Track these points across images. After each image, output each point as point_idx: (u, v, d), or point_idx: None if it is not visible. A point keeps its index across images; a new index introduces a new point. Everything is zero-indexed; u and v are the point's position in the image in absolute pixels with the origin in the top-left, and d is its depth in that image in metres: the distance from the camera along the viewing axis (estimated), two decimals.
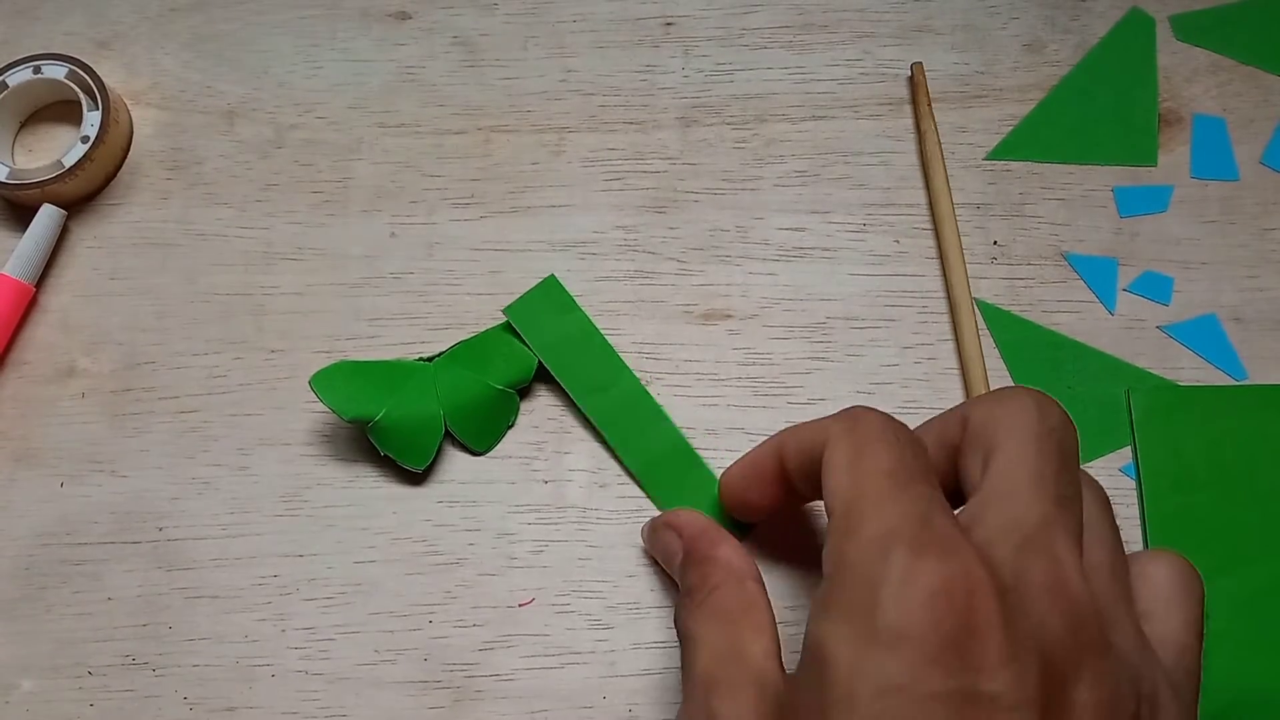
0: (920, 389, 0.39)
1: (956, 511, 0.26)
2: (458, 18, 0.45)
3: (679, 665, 0.31)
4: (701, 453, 0.39)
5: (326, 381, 0.38)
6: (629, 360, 0.40)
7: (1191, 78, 0.44)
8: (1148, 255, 0.41)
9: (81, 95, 0.43)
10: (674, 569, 0.34)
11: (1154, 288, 0.41)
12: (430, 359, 0.39)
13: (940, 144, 0.42)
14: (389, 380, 0.39)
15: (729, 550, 0.32)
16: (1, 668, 0.37)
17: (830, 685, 0.23)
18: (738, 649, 0.28)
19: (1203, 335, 0.40)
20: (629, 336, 0.40)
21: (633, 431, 0.39)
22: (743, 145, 0.43)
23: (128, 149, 0.44)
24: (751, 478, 0.34)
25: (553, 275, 0.40)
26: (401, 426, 0.38)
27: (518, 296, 0.39)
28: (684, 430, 0.39)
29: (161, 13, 0.46)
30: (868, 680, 0.23)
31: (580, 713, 0.36)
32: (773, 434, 0.33)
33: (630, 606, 0.37)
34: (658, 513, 0.37)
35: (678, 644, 0.31)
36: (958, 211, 0.42)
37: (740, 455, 0.35)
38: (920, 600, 0.23)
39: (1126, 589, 0.27)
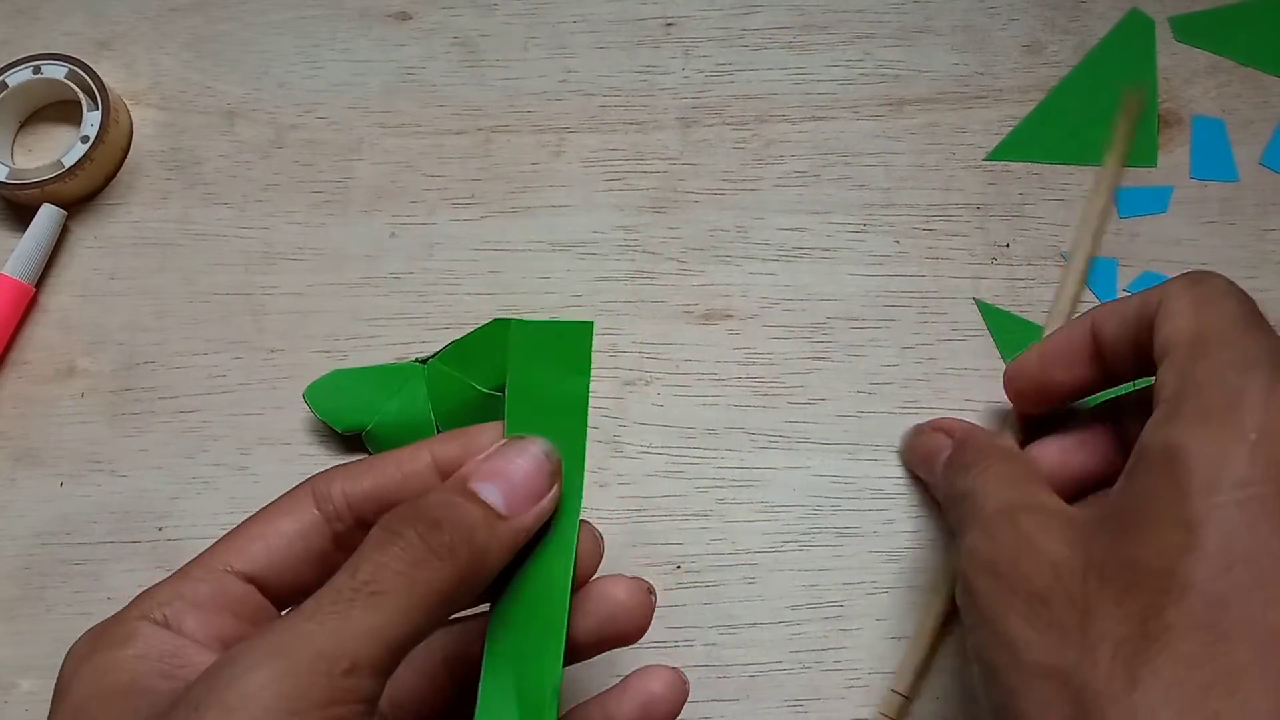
0: (920, 389, 0.39)
1: None
2: (458, 18, 0.45)
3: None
4: (701, 453, 0.39)
5: (320, 393, 0.38)
6: (629, 360, 0.40)
7: (1191, 78, 0.44)
8: (1147, 255, 0.41)
9: (81, 95, 0.43)
10: (935, 467, 0.34)
11: None
12: (425, 360, 0.39)
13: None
14: (383, 385, 0.39)
15: (1009, 441, 0.34)
16: (1, 667, 0.37)
17: (1188, 478, 0.24)
18: (1031, 494, 0.29)
19: None
20: (629, 336, 0.40)
21: (517, 630, 0.27)
22: (743, 145, 0.43)
23: (127, 149, 0.44)
24: (1059, 357, 0.32)
25: (591, 324, 0.29)
26: (395, 433, 0.38)
27: (524, 315, 0.33)
28: (684, 430, 0.39)
29: (161, 13, 0.46)
30: (1231, 472, 0.24)
31: None
32: (1080, 315, 0.33)
33: None
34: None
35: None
36: (957, 212, 0.42)
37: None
38: None
39: None
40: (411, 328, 0.41)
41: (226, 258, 0.42)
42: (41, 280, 0.42)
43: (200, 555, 0.27)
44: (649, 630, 0.35)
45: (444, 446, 0.28)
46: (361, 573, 0.23)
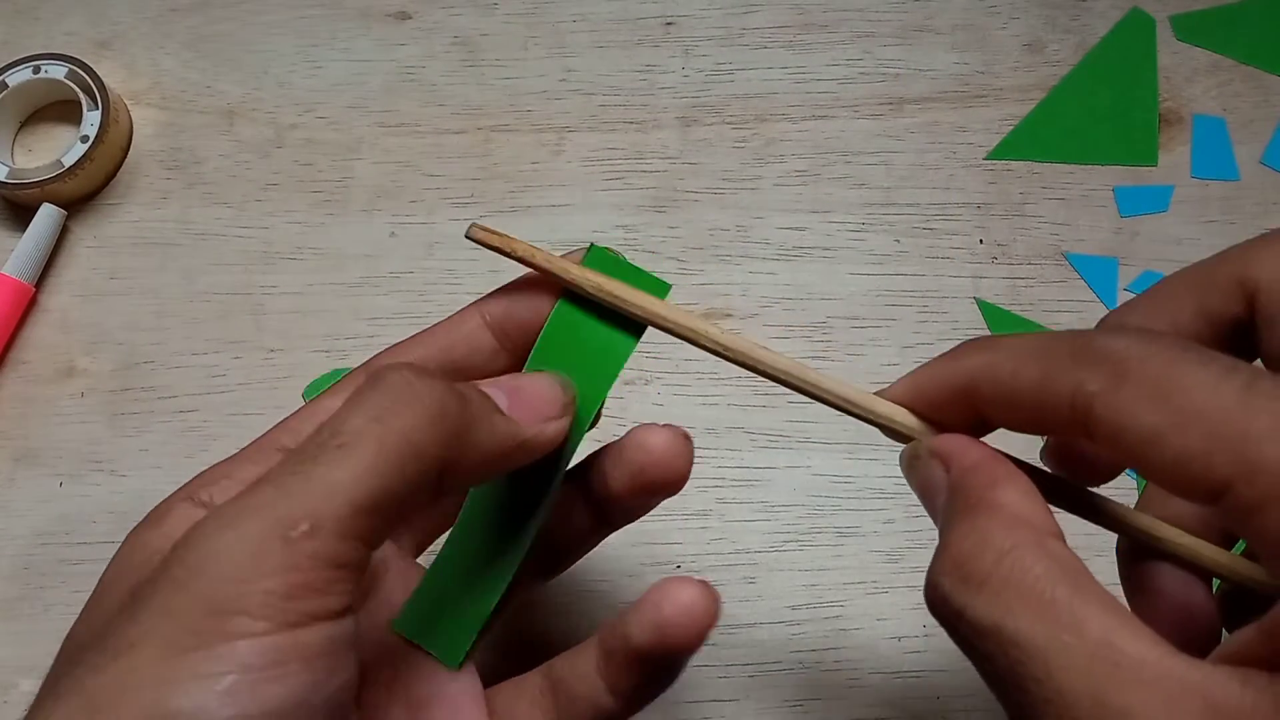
0: None
1: None
2: (458, 18, 0.45)
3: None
4: (701, 452, 0.39)
5: (319, 392, 0.38)
6: (629, 359, 0.40)
7: (1191, 78, 0.44)
8: (1148, 255, 0.41)
9: (81, 95, 0.43)
10: (935, 512, 0.24)
11: None
12: None
13: None
14: None
15: (1015, 494, 0.22)
16: (1, 667, 0.37)
17: None
18: (1117, 654, 0.18)
19: None
20: None
21: (472, 551, 0.27)
22: (743, 145, 0.43)
23: (127, 149, 0.44)
24: (923, 401, 0.25)
25: (669, 286, 0.28)
26: None
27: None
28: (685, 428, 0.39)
29: (161, 13, 0.46)
30: None
31: None
32: (936, 362, 0.25)
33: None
34: None
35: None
36: (957, 211, 0.42)
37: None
38: None
39: None
40: (411, 327, 0.40)
41: (226, 257, 0.42)
42: (41, 280, 0.42)
43: (256, 439, 0.26)
44: None
45: (489, 303, 0.27)
46: (328, 425, 0.21)
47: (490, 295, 0.27)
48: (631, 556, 0.38)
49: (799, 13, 0.45)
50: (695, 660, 0.36)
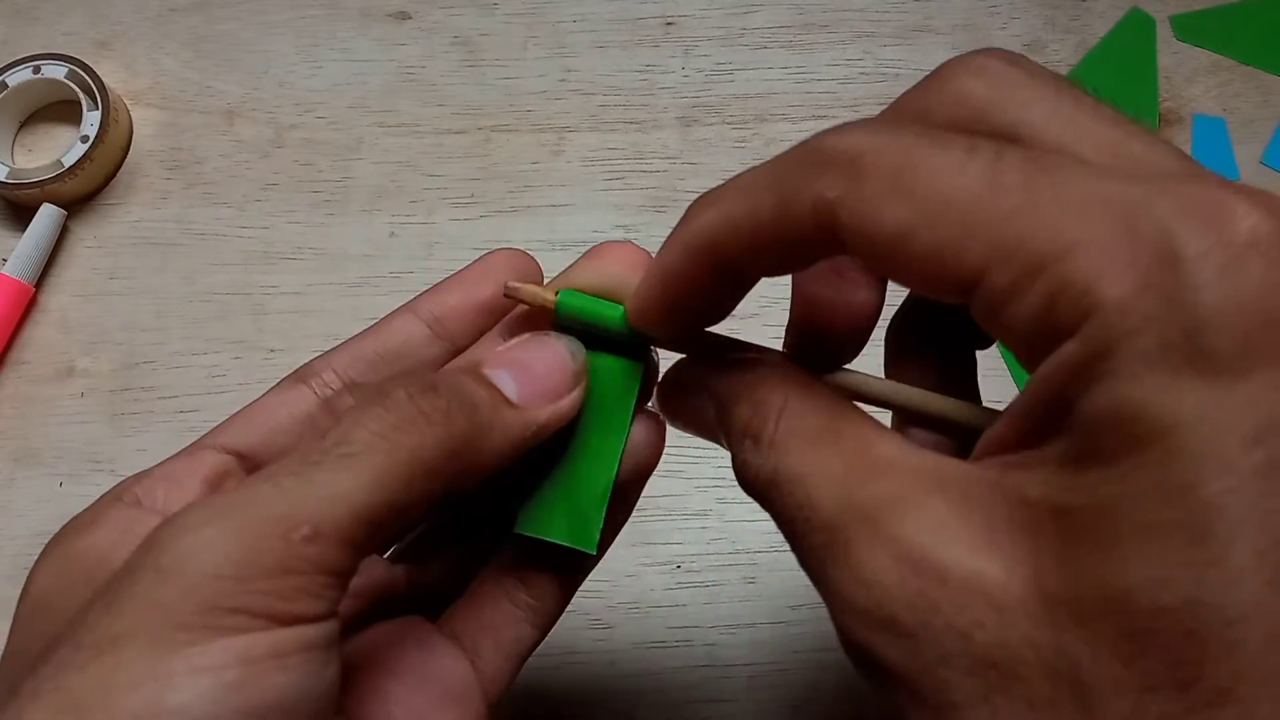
0: None
1: None
2: (458, 18, 0.45)
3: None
4: (701, 453, 0.39)
5: None
6: None
7: (1191, 78, 0.44)
8: None
9: (81, 95, 0.43)
10: (714, 431, 0.24)
11: None
12: None
13: None
14: None
15: (777, 371, 0.22)
16: None
17: (1179, 454, 0.15)
18: (870, 457, 0.19)
19: None
20: None
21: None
22: (743, 145, 0.43)
23: (127, 149, 0.44)
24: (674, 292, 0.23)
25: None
26: None
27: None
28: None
29: (161, 13, 0.46)
30: (1235, 430, 0.15)
31: (580, 712, 0.36)
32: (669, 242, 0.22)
33: (630, 606, 0.37)
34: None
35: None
36: None
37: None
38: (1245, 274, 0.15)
39: None
40: None
41: (226, 257, 0.42)
42: (41, 280, 0.42)
43: (194, 441, 0.25)
44: (652, 630, 0.35)
45: (420, 303, 0.26)
46: (333, 434, 0.20)
47: (419, 296, 0.26)
48: (631, 556, 0.38)
49: (799, 13, 0.45)
50: (695, 660, 0.37)
